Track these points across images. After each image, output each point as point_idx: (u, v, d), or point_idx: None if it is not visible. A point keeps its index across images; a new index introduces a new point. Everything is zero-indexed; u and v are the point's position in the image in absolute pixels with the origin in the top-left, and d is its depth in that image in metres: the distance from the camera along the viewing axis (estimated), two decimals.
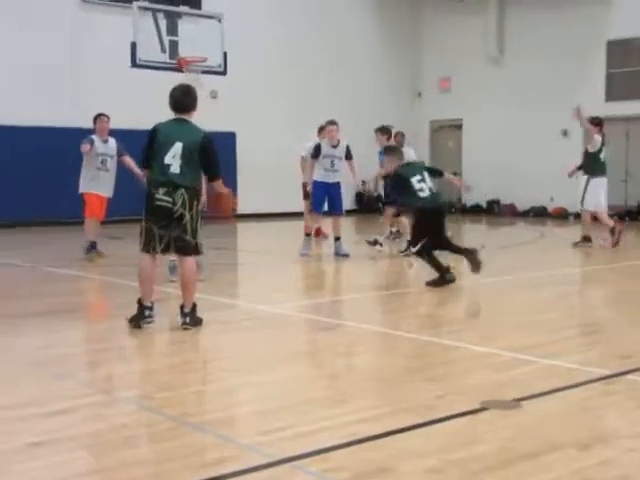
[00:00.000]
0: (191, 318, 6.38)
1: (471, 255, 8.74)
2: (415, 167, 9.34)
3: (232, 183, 18.46)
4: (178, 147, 6.23)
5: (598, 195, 12.56)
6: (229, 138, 18.85)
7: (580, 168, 12.98)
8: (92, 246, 10.99)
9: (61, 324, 6.90)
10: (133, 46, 13.57)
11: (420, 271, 11.06)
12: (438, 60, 22.49)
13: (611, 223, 12.60)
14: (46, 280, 9.58)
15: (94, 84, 17.30)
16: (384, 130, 12.63)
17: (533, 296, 8.37)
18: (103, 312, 7.59)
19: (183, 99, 6.48)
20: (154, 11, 14.74)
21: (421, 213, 8.77)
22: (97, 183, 10.98)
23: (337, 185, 11.59)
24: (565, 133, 20.13)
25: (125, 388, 4.82)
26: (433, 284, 8.59)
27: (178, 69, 14.45)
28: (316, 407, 4.40)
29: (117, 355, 5.85)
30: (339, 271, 11.16)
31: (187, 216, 6.23)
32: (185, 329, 6.32)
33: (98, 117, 11.18)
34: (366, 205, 21.72)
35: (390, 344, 6.18)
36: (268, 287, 9.25)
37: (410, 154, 14.55)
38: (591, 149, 12.59)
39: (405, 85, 22.83)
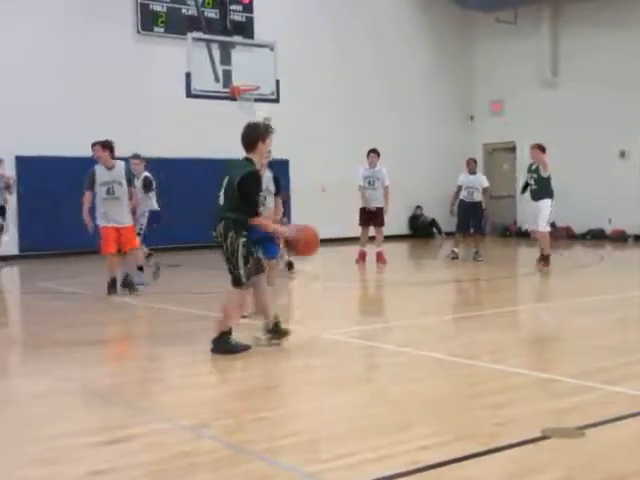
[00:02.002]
0: (216, 345, 6.53)
1: None
2: None
3: (286, 210, 18.56)
4: (225, 181, 6.52)
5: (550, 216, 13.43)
6: (282, 165, 18.98)
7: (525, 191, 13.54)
8: (112, 284, 10.46)
9: (119, 352, 6.98)
10: (188, 76, 13.77)
11: (470, 297, 10.96)
12: (490, 83, 22.37)
13: (548, 251, 13.06)
14: (101, 308, 9.71)
15: (150, 115, 17.64)
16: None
17: (594, 320, 8.21)
18: (161, 340, 7.65)
19: (242, 140, 6.71)
20: (208, 42, 14.96)
21: None
22: (107, 215, 10.37)
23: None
24: (623, 154, 19.81)
25: (184, 416, 4.83)
26: None
27: (232, 98, 14.62)
28: (376, 434, 4.36)
29: (176, 383, 5.89)
30: (393, 297, 11.10)
31: (224, 246, 6.44)
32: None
33: (95, 145, 10.61)
34: (420, 229, 21.64)
35: (449, 370, 6.11)
36: (323, 313, 9.24)
37: (482, 180, 14.70)
38: (545, 174, 13.06)
39: (457, 109, 22.76)
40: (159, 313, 9.32)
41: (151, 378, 6.03)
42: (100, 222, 10.43)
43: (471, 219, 14.70)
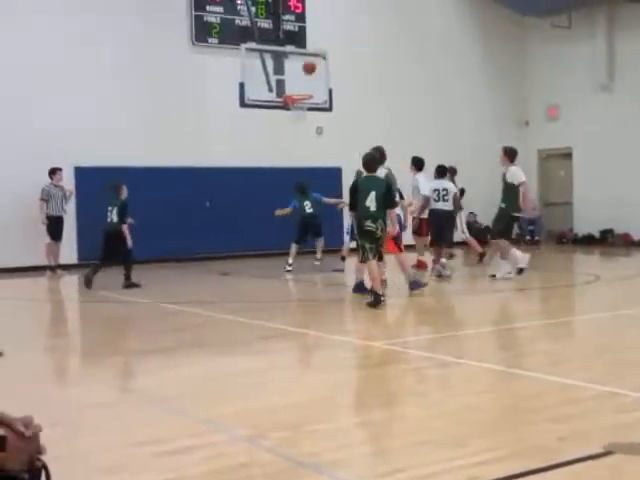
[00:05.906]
0: (375, 298, 9.68)
1: None
2: None
3: (339, 217, 18.53)
4: (372, 195, 9.79)
5: None
6: (335, 173, 18.99)
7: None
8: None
9: (181, 360, 7.04)
10: (241, 86, 13.89)
11: (528, 306, 10.80)
12: (546, 88, 22.09)
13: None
14: (159, 316, 9.83)
15: (204, 124, 17.84)
16: None
17: None
18: (219, 348, 7.70)
19: (370, 164, 10.11)
20: (261, 52, 15.07)
21: None
22: None
23: None
24: None
25: (243, 426, 4.85)
26: None
27: (285, 107, 14.69)
28: (433, 448, 4.32)
29: (235, 393, 5.91)
30: (446, 306, 11.00)
31: (382, 236, 9.92)
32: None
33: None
34: (474, 236, 21.39)
35: (508, 383, 6.03)
36: (377, 323, 9.21)
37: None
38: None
39: (509, 114, 22.50)
40: (217, 322, 9.38)
41: (209, 388, 6.06)
42: None
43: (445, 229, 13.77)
